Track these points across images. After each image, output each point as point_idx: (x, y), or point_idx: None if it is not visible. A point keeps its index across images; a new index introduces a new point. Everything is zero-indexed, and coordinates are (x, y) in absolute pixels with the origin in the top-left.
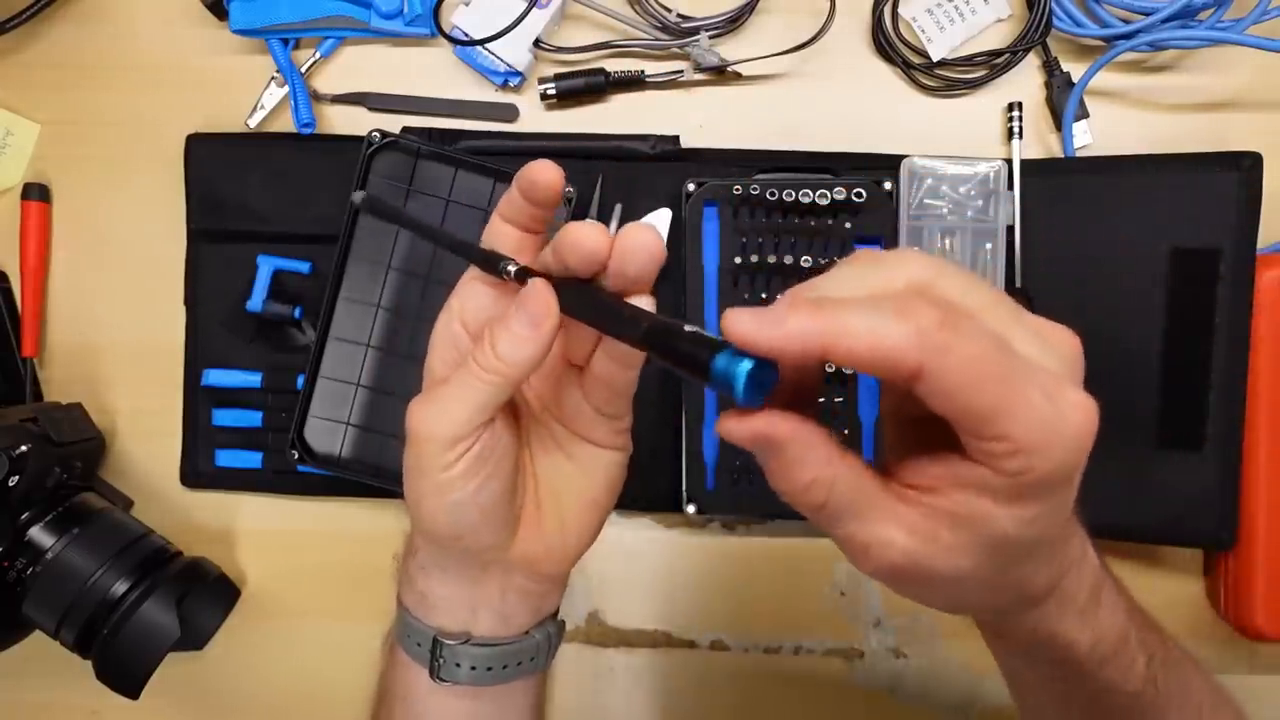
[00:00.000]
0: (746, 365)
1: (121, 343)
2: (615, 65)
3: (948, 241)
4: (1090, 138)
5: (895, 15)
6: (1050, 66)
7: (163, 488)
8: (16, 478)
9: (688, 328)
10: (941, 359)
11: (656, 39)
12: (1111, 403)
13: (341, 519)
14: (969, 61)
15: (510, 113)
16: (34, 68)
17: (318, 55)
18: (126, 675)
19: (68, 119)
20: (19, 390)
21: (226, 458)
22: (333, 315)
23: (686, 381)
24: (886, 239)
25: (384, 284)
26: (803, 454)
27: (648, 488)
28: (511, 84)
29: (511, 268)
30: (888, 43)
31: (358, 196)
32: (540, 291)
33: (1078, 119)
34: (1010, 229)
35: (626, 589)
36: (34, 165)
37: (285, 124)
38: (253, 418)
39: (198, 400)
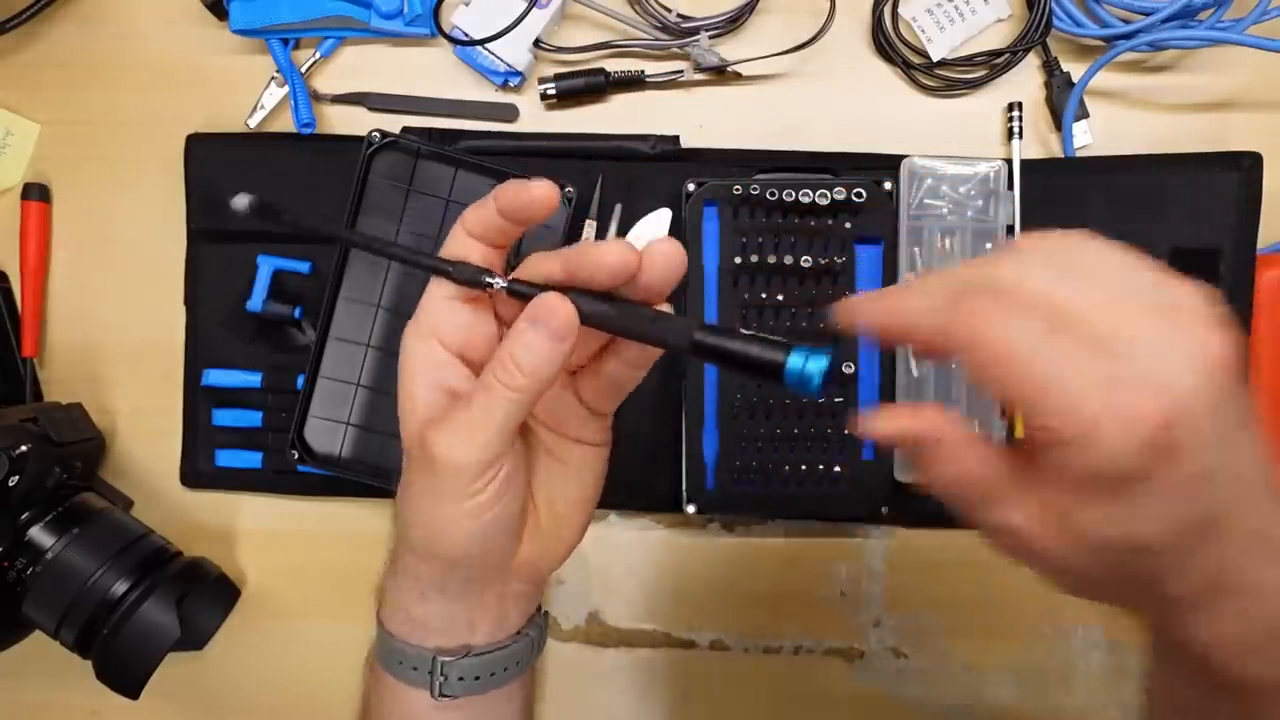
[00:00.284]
0: (823, 363)
1: (121, 343)
2: (615, 65)
3: (948, 241)
4: (1090, 138)
5: (895, 15)
6: (1050, 66)
7: (163, 488)
8: (16, 478)
9: (744, 331)
10: (982, 340)
11: (656, 39)
12: None
13: (341, 519)
14: (969, 61)
15: (510, 113)
16: (34, 68)
17: (318, 55)
18: (126, 675)
19: (68, 119)
20: (19, 390)
21: (226, 458)
22: (333, 315)
23: (686, 382)
24: (886, 239)
25: (384, 284)
26: (953, 451)
27: (648, 488)
28: (511, 84)
29: (498, 282)
30: (888, 43)
31: (240, 201)
32: (559, 303)
33: (1078, 119)
34: (1010, 229)
35: (626, 589)
36: (34, 165)
37: (285, 124)
38: (253, 418)
39: (198, 400)
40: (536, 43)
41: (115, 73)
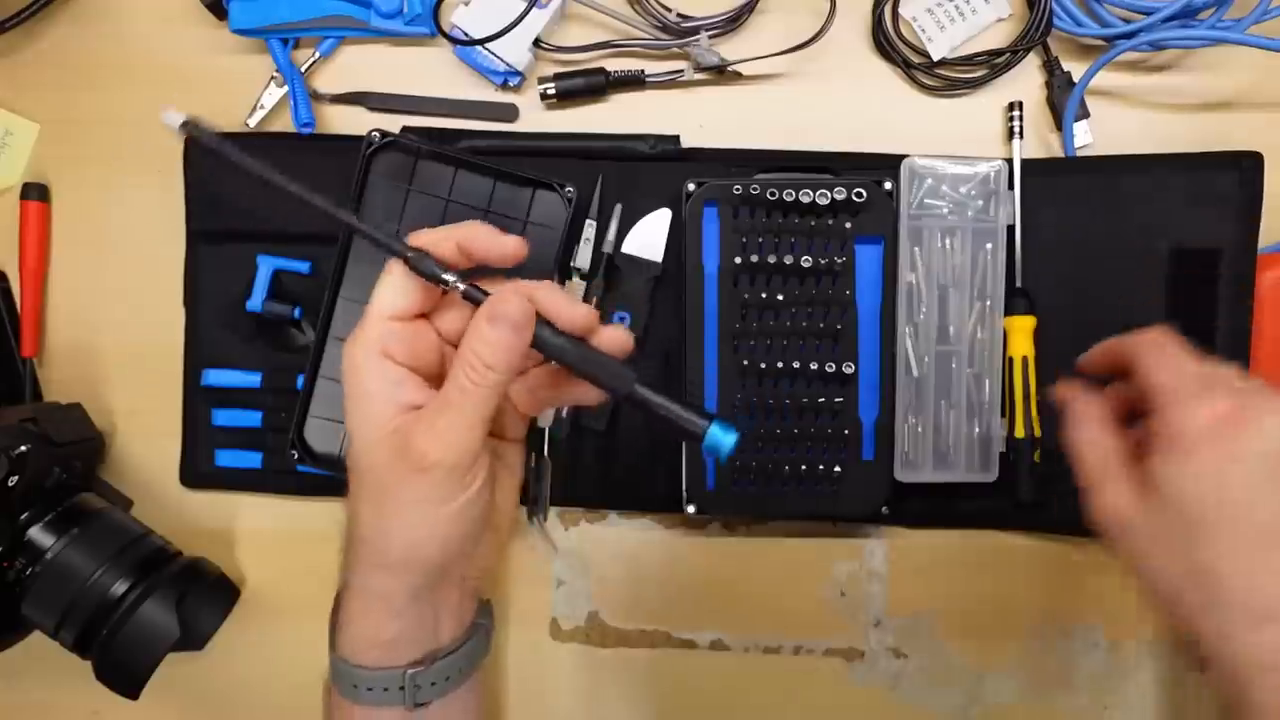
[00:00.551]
0: (734, 438)
1: (121, 343)
2: (615, 65)
3: (948, 242)
4: (1090, 137)
5: (895, 15)
6: (1051, 66)
7: (162, 488)
8: (16, 478)
9: (673, 401)
10: (1154, 348)
11: (656, 39)
12: None
13: (341, 519)
14: (969, 61)
15: (510, 113)
16: (34, 68)
17: (317, 55)
18: (126, 675)
19: (67, 119)
20: (19, 390)
21: (226, 458)
22: (333, 315)
23: (686, 382)
24: (887, 239)
25: None
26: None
27: (648, 488)
28: (511, 84)
29: (459, 283)
30: (888, 42)
31: (172, 118)
32: (514, 298)
33: (1078, 119)
34: (1010, 229)
35: (626, 589)
36: (33, 165)
37: (285, 124)
38: (252, 418)
39: (197, 400)
40: (536, 42)
41: (115, 73)
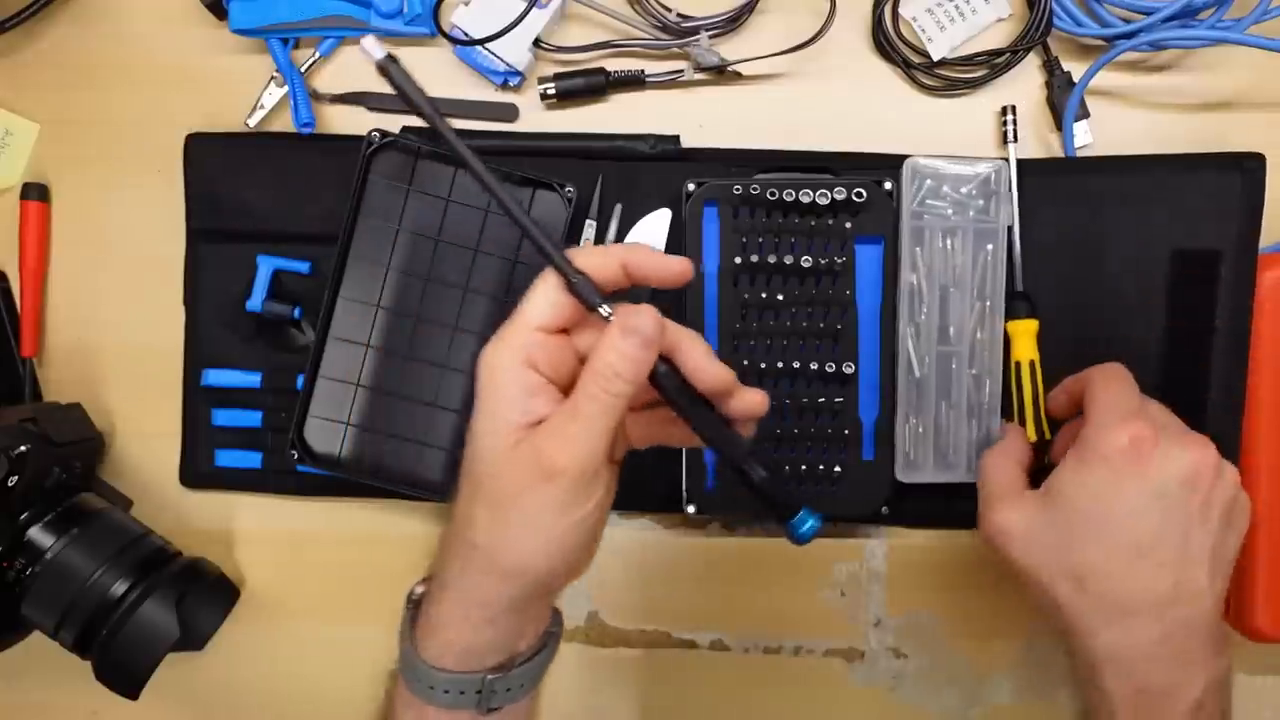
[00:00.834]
0: (818, 525)
1: (121, 343)
2: (615, 65)
3: (949, 242)
4: (1090, 138)
5: (895, 15)
6: (1051, 66)
7: (162, 488)
8: (16, 478)
9: (774, 485)
10: (1094, 384)
11: (656, 39)
12: None
13: (341, 519)
14: (969, 61)
15: (510, 112)
16: (33, 68)
17: (317, 55)
18: (126, 675)
19: (67, 119)
20: (18, 390)
21: (226, 458)
22: (333, 315)
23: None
24: (887, 239)
25: (384, 284)
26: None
27: (648, 488)
28: (511, 84)
29: (605, 309)
30: (888, 42)
31: (374, 48)
32: (649, 315)
33: (1078, 119)
34: (1011, 229)
35: (626, 589)
36: (33, 165)
37: (285, 124)
38: (252, 418)
39: (197, 400)
40: (536, 42)
41: (115, 72)
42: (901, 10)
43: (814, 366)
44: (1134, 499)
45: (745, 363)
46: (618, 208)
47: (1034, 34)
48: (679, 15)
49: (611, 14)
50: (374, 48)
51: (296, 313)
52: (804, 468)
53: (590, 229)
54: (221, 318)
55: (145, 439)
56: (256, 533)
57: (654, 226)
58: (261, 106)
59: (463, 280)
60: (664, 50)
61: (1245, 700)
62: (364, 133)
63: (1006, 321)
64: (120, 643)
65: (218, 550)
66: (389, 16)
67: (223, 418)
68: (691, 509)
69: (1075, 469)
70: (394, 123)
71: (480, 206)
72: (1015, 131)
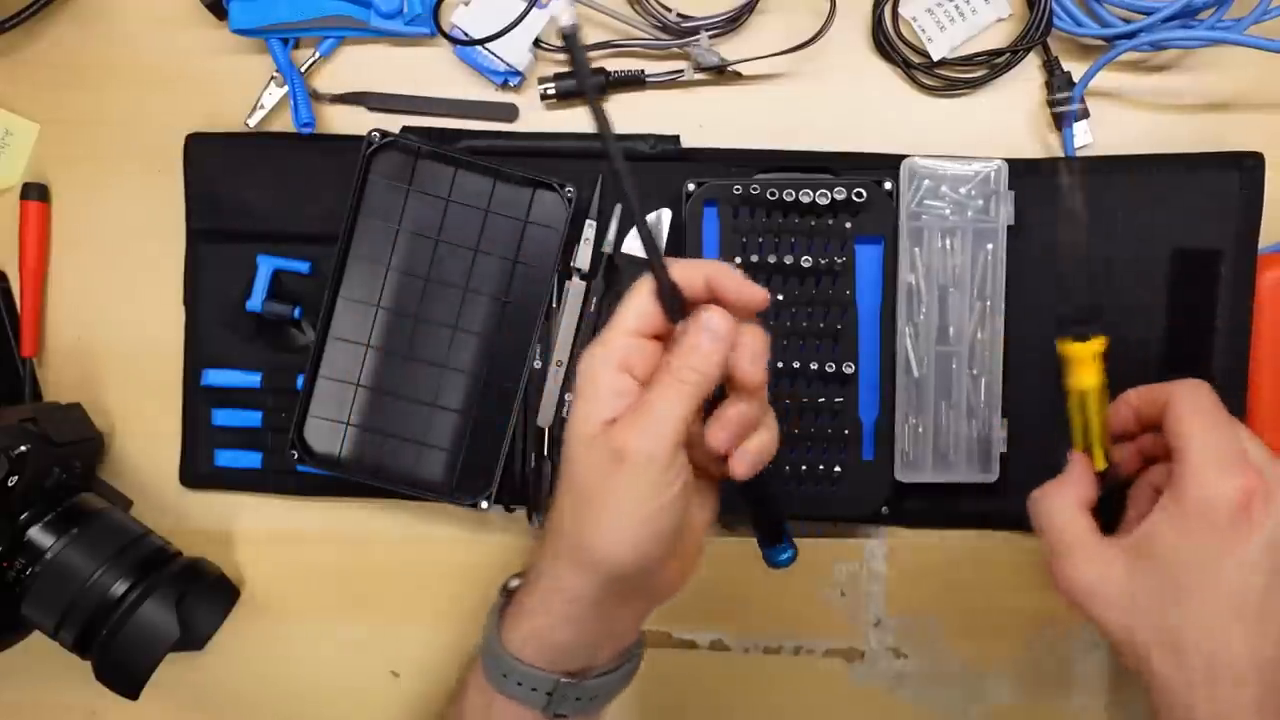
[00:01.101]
0: (789, 558)
1: (121, 343)
2: (615, 65)
3: (948, 242)
4: (1090, 138)
5: (895, 15)
6: (1051, 66)
7: (162, 488)
8: (16, 478)
9: (772, 511)
10: (1186, 396)
11: (656, 39)
12: None
13: (341, 519)
14: (969, 61)
15: (510, 112)
16: (33, 68)
17: (317, 55)
18: (126, 675)
19: (67, 119)
20: (18, 390)
21: (226, 458)
22: (333, 315)
23: None
24: (886, 239)
25: (384, 284)
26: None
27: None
28: (511, 84)
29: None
30: (888, 42)
31: (562, 10)
32: (721, 313)
33: (1078, 119)
34: (1010, 229)
35: None
36: (33, 165)
37: (285, 124)
38: (252, 418)
39: (197, 400)
40: (536, 42)
41: (114, 72)
42: (901, 10)
43: (814, 366)
44: (1242, 558)
45: None
46: (618, 208)
47: (1034, 34)
48: (679, 15)
49: (611, 14)
50: (564, 12)
51: (296, 313)
52: (804, 468)
53: (590, 229)
54: (221, 318)
55: (145, 439)
56: (256, 533)
57: (654, 226)
58: (261, 106)
59: (463, 280)
60: (664, 50)
61: None
62: (364, 133)
63: (1062, 342)
64: (120, 643)
65: (218, 550)
66: (389, 16)
67: (223, 418)
68: None
69: (1174, 524)
70: (394, 123)
71: (480, 207)
72: (1074, 113)
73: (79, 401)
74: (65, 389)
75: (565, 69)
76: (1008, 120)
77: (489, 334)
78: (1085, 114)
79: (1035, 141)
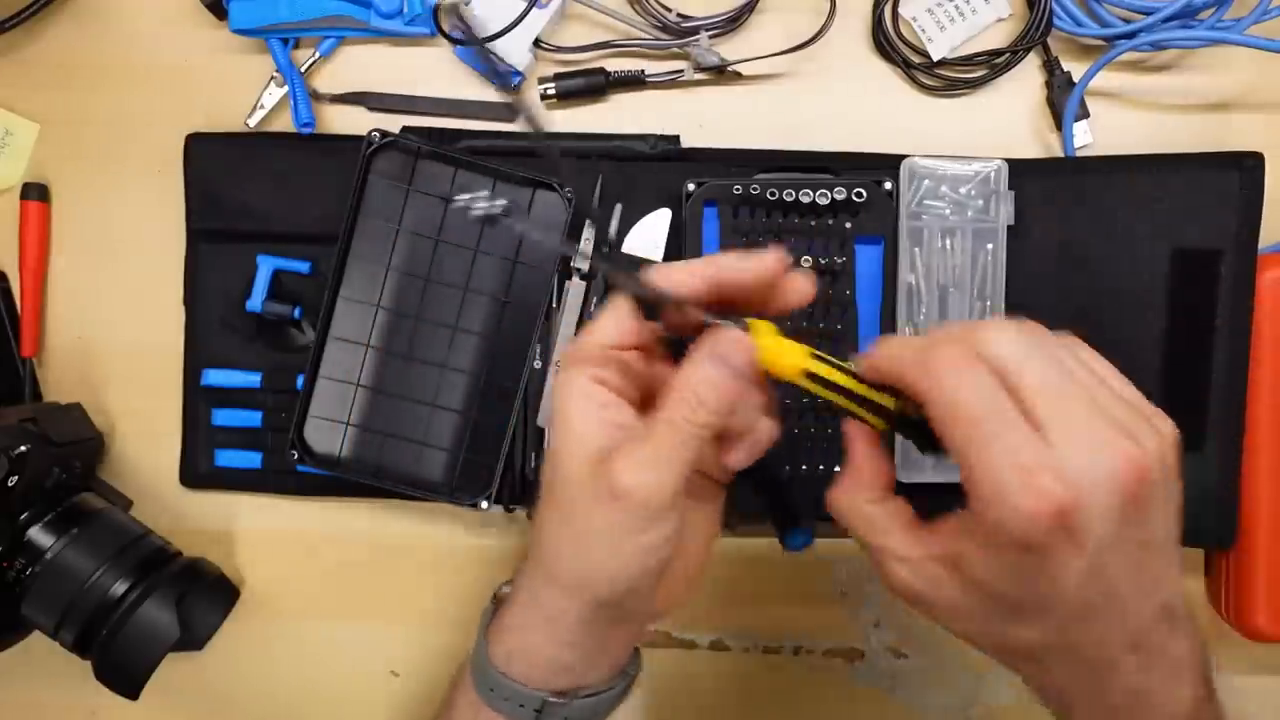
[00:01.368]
0: (806, 541)
1: (121, 343)
2: (615, 65)
3: (948, 242)
4: (1090, 137)
5: (895, 15)
6: (1050, 66)
7: (162, 488)
8: (16, 478)
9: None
10: (932, 391)
11: (656, 39)
12: None
13: (341, 519)
14: (969, 61)
15: (510, 113)
16: (34, 68)
17: (317, 55)
18: (126, 675)
19: (67, 119)
20: (18, 390)
21: (226, 458)
22: (333, 315)
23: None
24: (886, 239)
25: (384, 284)
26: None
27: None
28: (512, 84)
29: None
30: (888, 42)
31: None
32: (742, 339)
33: (1078, 119)
34: (1011, 228)
35: None
36: (33, 165)
37: (285, 124)
38: (252, 418)
39: (197, 400)
40: (536, 42)
41: (115, 72)
42: (901, 10)
43: None
44: (1077, 567)
45: None
46: (618, 208)
47: (1034, 34)
48: (679, 15)
49: (611, 14)
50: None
51: (296, 313)
52: (804, 468)
53: (590, 229)
54: (221, 318)
55: (145, 439)
56: (256, 533)
57: (654, 226)
58: (261, 106)
59: (463, 280)
60: (664, 50)
61: (1245, 700)
62: (364, 133)
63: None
64: (120, 643)
65: (218, 550)
66: (389, 16)
67: (223, 418)
68: None
69: (983, 550)
70: (394, 123)
71: None
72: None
73: (79, 401)
74: (65, 389)
75: (565, 69)
76: (1008, 120)
77: (489, 334)
78: (1085, 114)
79: (1035, 141)
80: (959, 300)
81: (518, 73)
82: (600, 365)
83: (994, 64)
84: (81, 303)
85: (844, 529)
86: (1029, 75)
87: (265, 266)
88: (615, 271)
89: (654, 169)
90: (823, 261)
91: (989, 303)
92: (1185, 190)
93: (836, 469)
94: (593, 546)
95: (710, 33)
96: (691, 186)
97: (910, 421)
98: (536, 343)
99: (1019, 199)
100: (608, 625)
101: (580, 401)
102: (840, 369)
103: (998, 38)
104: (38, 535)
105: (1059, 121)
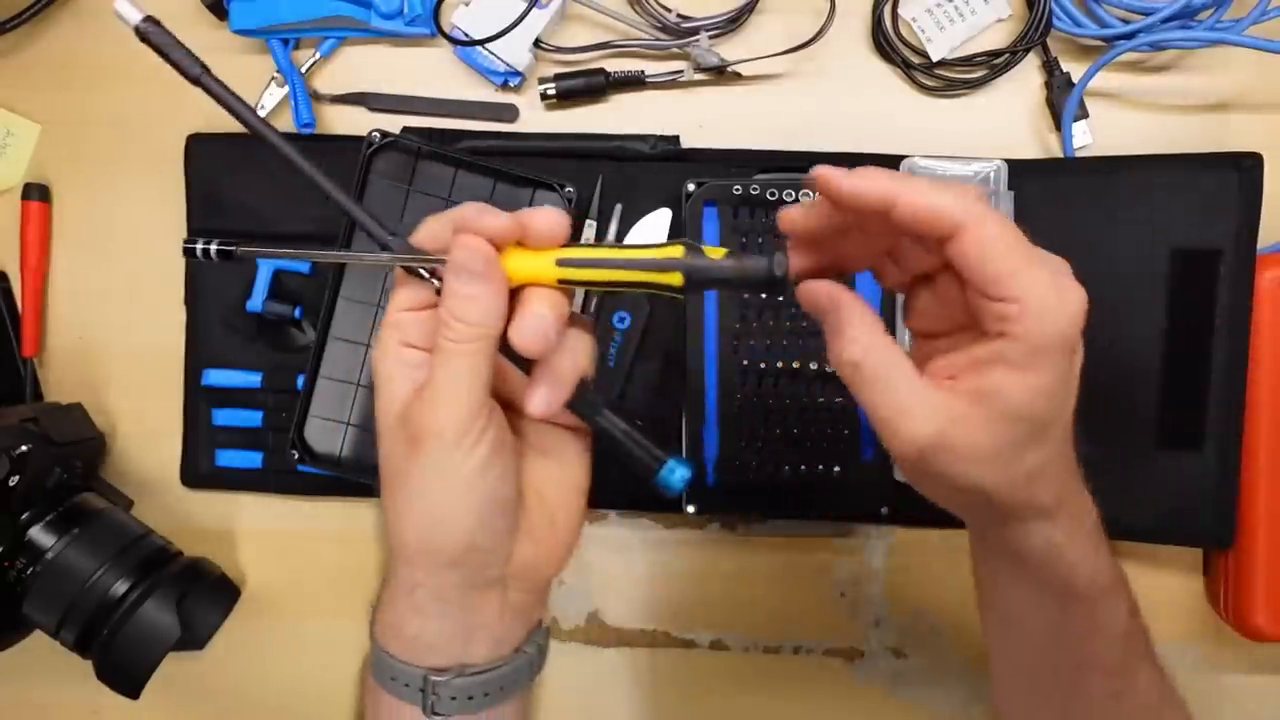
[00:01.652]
0: (686, 474)
1: (121, 343)
2: (615, 65)
3: None
4: (1090, 138)
5: (895, 15)
6: (1050, 66)
7: (163, 488)
8: (16, 478)
9: (636, 437)
10: (978, 223)
11: (656, 39)
12: (1111, 402)
13: (341, 519)
14: (969, 61)
15: (510, 113)
16: (34, 68)
17: (318, 55)
18: (126, 675)
19: (68, 119)
20: (19, 390)
21: (227, 458)
22: (333, 315)
23: (688, 381)
24: None
25: (384, 283)
26: (851, 317)
27: (648, 488)
28: (511, 84)
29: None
30: (888, 43)
31: (128, 11)
32: (473, 245)
33: (1077, 119)
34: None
35: (626, 589)
36: (34, 165)
37: (285, 124)
38: (253, 418)
39: (198, 400)
40: (536, 43)
41: (115, 73)
42: (901, 10)
43: (814, 366)
44: (1079, 361)
45: (745, 362)
46: (618, 208)
47: (1033, 34)
48: (679, 15)
49: (611, 14)
50: (129, 12)
51: (297, 313)
52: (804, 468)
53: (590, 229)
54: (222, 318)
55: (146, 439)
56: (257, 533)
57: (654, 226)
58: (262, 107)
59: None
60: (664, 50)
61: (1246, 700)
62: (364, 133)
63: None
64: (121, 642)
65: (218, 550)
66: (389, 17)
67: (223, 418)
68: (691, 509)
69: (1027, 376)
70: (394, 123)
71: None
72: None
73: (79, 401)
74: (66, 389)
75: (565, 69)
76: (1008, 120)
77: None
78: (1084, 114)
79: (1035, 141)
80: None
81: (517, 73)
82: (402, 327)
83: (994, 64)
84: (82, 303)
85: (853, 396)
86: (1028, 76)
87: (266, 267)
88: (383, 246)
89: (654, 169)
90: None
91: None
92: (1185, 190)
93: (838, 469)
94: (417, 505)
95: (710, 33)
96: (691, 186)
97: (700, 272)
98: None
99: (1018, 199)
100: (466, 592)
101: (388, 364)
102: (598, 246)
103: (997, 38)
104: (39, 535)
105: (1058, 122)
